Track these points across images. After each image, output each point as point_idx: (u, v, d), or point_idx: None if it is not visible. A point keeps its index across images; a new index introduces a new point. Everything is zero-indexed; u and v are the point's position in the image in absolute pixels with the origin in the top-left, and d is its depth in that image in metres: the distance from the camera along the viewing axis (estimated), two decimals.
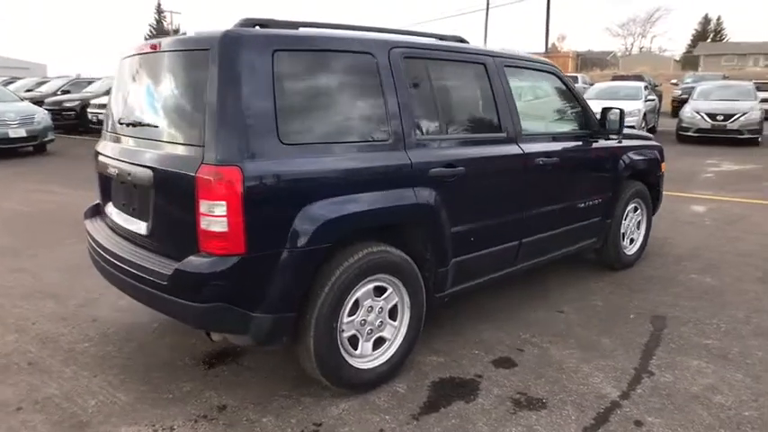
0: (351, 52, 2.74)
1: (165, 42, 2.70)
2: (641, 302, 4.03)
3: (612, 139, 4.22)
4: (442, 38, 3.38)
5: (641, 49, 64.68)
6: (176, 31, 46.18)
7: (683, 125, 13.32)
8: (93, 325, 3.62)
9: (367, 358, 2.82)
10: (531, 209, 3.53)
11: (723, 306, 3.95)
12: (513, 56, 3.63)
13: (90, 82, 18.51)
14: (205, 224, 2.31)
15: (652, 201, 4.85)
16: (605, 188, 4.22)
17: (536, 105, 3.82)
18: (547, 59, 4.13)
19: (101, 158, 3.12)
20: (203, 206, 2.30)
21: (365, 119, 2.77)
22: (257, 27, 2.54)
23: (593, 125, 4.09)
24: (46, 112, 12.44)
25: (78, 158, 11.67)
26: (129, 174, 2.72)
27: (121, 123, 2.95)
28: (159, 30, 47.62)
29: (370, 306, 2.77)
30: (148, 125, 2.76)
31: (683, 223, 6.20)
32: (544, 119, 4.00)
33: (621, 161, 4.31)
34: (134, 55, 2.97)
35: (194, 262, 2.34)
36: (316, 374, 2.67)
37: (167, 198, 2.57)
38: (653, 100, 16.29)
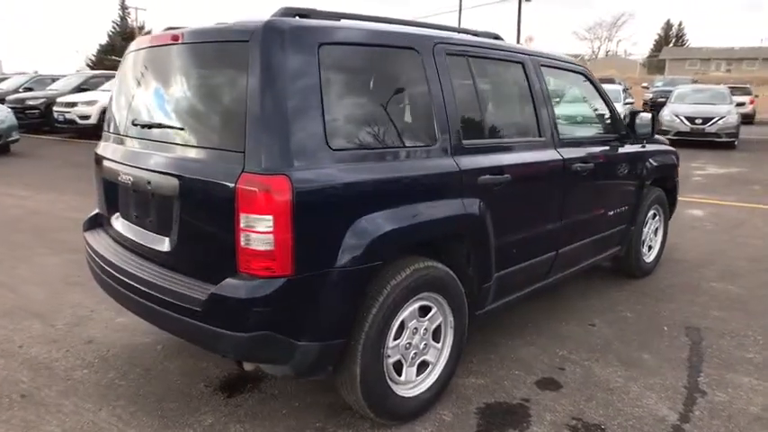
0: (395, 47, 2.48)
1: (190, 33, 2.38)
2: (670, 313, 3.87)
3: (637, 143, 4.06)
4: (476, 34, 3.14)
5: (607, 52, 65.97)
6: (141, 29, 44.89)
7: (663, 128, 13.44)
8: (89, 347, 3.26)
9: (411, 384, 2.56)
10: (568, 218, 3.33)
11: (753, 316, 3.83)
12: (548, 55, 3.43)
13: (54, 79, 17.71)
14: (246, 241, 2.01)
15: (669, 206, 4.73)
16: (631, 194, 4.06)
17: (569, 108, 3.62)
18: (575, 59, 3.94)
19: (106, 163, 2.77)
20: (244, 221, 2.00)
21: (412, 121, 2.52)
22: (297, 17, 2.25)
23: (620, 129, 3.92)
24: (9, 110, 11.75)
25: (45, 159, 11.08)
26: (149, 182, 2.39)
27: (135, 125, 2.60)
28: (123, 27, 46.05)
29: (415, 327, 2.52)
30: (171, 127, 2.43)
31: (687, 228, 6.12)
32: (577, 122, 3.81)
33: (646, 166, 4.16)
34: (147, 47, 2.64)
35: (234, 285, 2.04)
36: (359, 405, 2.40)
37: (197, 211, 2.25)
38: (631, 103, 16.46)
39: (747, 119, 17.94)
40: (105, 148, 2.88)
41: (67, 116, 13.89)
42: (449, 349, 2.68)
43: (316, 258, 2.08)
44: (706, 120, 13.16)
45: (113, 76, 16.73)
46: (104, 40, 45.96)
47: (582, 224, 3.51)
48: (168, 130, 2.44)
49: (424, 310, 2.55)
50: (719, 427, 2.58)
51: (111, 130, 2.89)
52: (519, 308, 3.78)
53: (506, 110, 3.14)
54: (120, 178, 2.60)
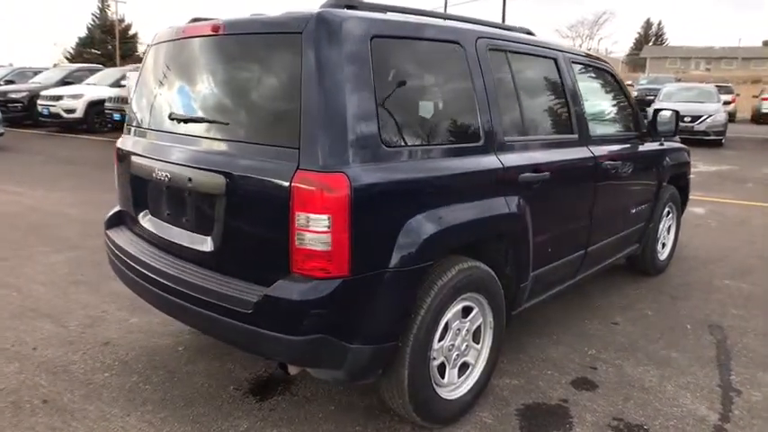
0: (441, 41, 2.41)
1: (232, 24, 2.28)
2: (690, 311, 3.87)
3: (656, 141, 4.05)
4: (509, 29, 3.08)
5: (589, 50, 66.45)
6: (121, 21, 44.11)
7: None
8: (107, 349, 3.15)
9: (453, 386, 2.50)
10: (597, 215, 3.29)
11: None
12: (577, 51, 3.39)
13: (36, 72, 17.29)
14: (300, 241, 1.93)
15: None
16: (651, 192, 4.06)
17: (597, 105, 3.59)
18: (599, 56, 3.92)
19: (135, 159, 2.65)
20: (300, 220, 1.92)
21: (457, 117, 2.46)
22: (345, 9, 2.17)
23: (642, 126, 3.90)
24: None
25: (31, 154, 10.80)
26: (190, 179, 2.27)
27: (172, 119, 2.48)
28: (103, 19, 45.10)
29: (458, 328, 2.46)
30: (215, 122, 2.33)
31: (691, 226, 6.15)
32: (605, 120, 3.78)
33: (664, 164, 4.15)
34: (179, 39, 2.53)
35: (289, 287, 1.95)
36: (405, 409, 2.33)
37: (245, 209, 2.14)
38: None
39: (729, 117, 18.23)
40: (132, 143, 2.76)
41: (52, 110, 13.57)
42: (488, 350, 2.63)
43: (371, 259, 2.01)
44: (695, 118, 13.31)
45: (98, 70, 16.47)
46: (83, 32, 45.05)
47: (609, 222, 3.49)
48: (211, 124, 2.33)
49: (466, 311, 2.49)
50: (763, 427, 2.57)
51: (140, 125, 2.77)
52: (539, 305, 3.75)
53: (542, 106, 3.09)
54: (153, 175, 2.47)
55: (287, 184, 1.94)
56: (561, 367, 3.06)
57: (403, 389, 2.24)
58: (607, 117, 3.79)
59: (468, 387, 2.56)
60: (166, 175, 2.39)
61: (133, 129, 2.84)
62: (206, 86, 2.41)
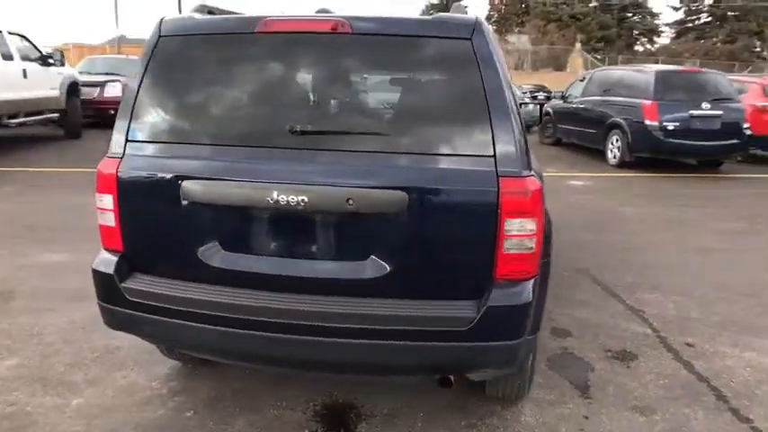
0: None
1: (363, 23, 2.12)
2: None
3: None
4: None
5: None
6: None
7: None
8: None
9: None
10: None
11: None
12: None
13: None
14: (509, 247, 2.04)
15: None
16: None
17: None
18: None
19: (198, 184, 2.13)
20: (511, 226, 2.01)
21: None
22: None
23: None
24: None
25: None
26: (350, 200, 2.02)
27: (295, 132, 2.10)
28: None
29: None
30: (371, 133, 2.16)
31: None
32: None
33: None
34: (263, 32, 2.16)
35: (508, 293, 2.06)
36: (520, 391, 2.64)
37: (435, 224, 2.07)
38: None
39: None
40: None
41: None
42: None
43: (543, 255, 2.22)
44: None
45: None
46: None
47: None
48: (360, 137, 2.14)
49: None
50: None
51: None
52: None
53: None
54: (261, 201, 2.06)
55: (493, 191, 1.99)
56: None
57: (526, 370, 2.52)
58: None
59: None
60: (298, 200, 2.02)
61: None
62: (338, 93, 2.18)
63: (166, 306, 2.14)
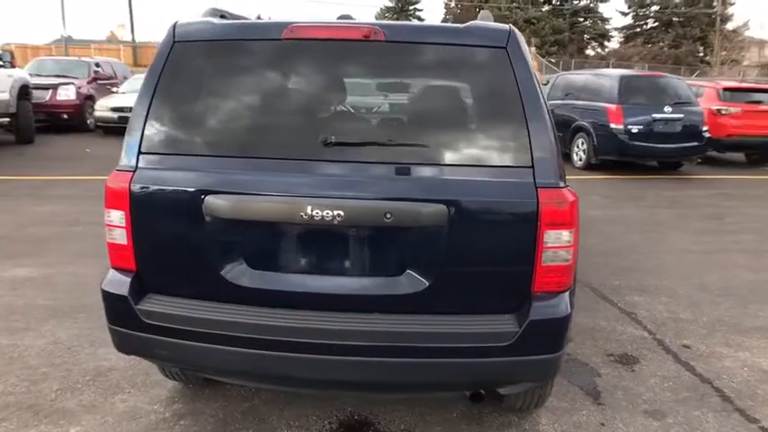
0: None
1: (396, 31, 2.07)
2: None
3: None
4: None
5: None
6: None
7: None
8: None
9: None
10: None
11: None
12: None
13: None
14: (549, 259, 2.01)
15: None
16: None
17: None
18: None
19: (226, 199, 2.01)
20: (549, 238, 1.98)
21: None
22: None
23: None
24: None
25: None
26: (388, 214, 1.95)
27: (328, 144, 2.01)
28: None
29: None
30: (409, 145, 2.08)
31: None
32: None
33: None
34: (291, 39, 2.06)
35: (549, 306, 2.04)
36: (540, 400, 2.62)
37: (475, 238, 2.02)
38: None
39: None
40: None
41: None
42: None
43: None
44: None
45: None
46: None
47: None
48: (398, 148, 2.07)
49: None
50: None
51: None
52: None
53: None
54: (298, 216, 1.96)
55: (532, 203, 1.96)
56: None
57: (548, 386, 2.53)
58: None
59: None
60: (333, 214, 1.93)
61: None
62: (370, 103, 2.09)
63: (189, 328, 2.02)
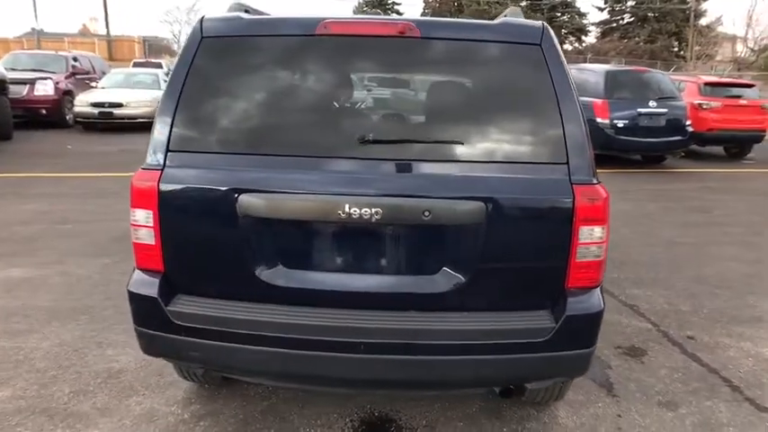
0: None
1: (431, 28, 2.06)
2: None
3: None
4: None
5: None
6: None
7: None
8: None
9: None
10: None
11: None
12: None
13: None
14: (583, 255, 2.03)
15: None
16: None
17: None
18: None
19: (262, 198, 1.98)
20: (584, 234, 2.00)
21: None
22: None
23: None
24: None
25: None
26: (427, 212, 1.93)
27: (365, 141, 2.00)
28: None
29: None
30: (446, 142, 2.06)
31: None
32: None
33: None
34: (324, 35, 2.05)
35: (583, 301, 2.05)
36: (560, 393, 2.63)
37: (512, 234, 2.02)
38: None
39: None
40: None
41: None
42: None
43: None
44: None
45: None
46: None
47: None
48: (435, 145, 2.06)
49: None
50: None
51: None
52: None
53: None
54: (335, 215, 1.94)
55: (568, 200, 1.97)
56: None
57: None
58: None
59: None
60: (371, 212, 1.92)
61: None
62: (406, 99, 2.08)
63: (223, 329, 1.99)
